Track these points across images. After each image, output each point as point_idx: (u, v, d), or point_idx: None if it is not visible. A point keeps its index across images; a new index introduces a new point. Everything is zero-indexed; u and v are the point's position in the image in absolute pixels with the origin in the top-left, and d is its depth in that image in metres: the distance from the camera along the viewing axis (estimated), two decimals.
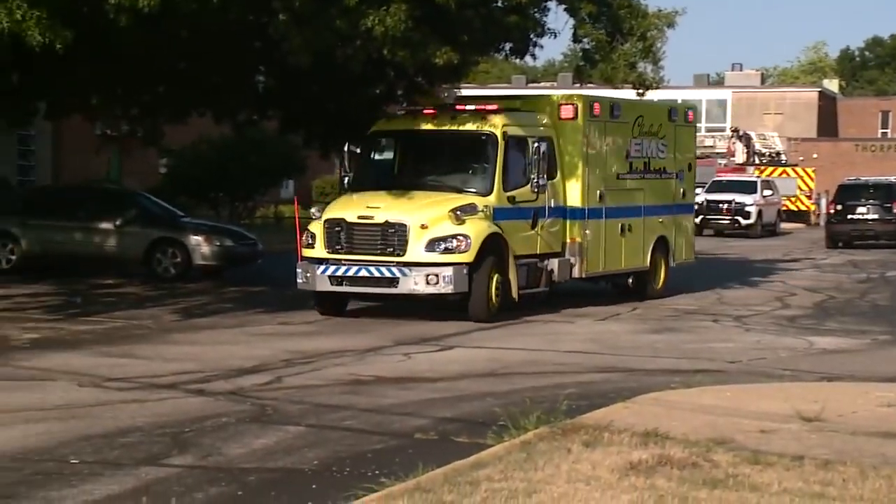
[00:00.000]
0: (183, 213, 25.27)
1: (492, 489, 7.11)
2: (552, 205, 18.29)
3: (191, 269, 22.48)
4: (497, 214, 17.38)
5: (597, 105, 19.28)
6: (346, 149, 18.71)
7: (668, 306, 19.87)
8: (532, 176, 17.82)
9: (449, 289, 16.49)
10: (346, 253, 16.99)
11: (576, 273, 18.81)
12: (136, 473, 8.21)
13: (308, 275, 17.13)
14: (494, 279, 16.94)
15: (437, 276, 16.44)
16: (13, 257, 22.85)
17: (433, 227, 16.72)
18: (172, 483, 7.95)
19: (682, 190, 21.74)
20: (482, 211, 17.14)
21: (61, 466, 8.38)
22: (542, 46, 22.78)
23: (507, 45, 21.76)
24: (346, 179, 18.58)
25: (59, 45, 14.37)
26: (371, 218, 16.93)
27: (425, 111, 18.55)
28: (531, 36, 21.11)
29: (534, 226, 18.07)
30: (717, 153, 57.76)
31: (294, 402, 10.98)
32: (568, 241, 18.75)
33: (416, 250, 16.67)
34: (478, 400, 11.25)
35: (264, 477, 8.19)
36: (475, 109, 18.26)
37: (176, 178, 34.56)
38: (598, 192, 19.20)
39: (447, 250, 16.61)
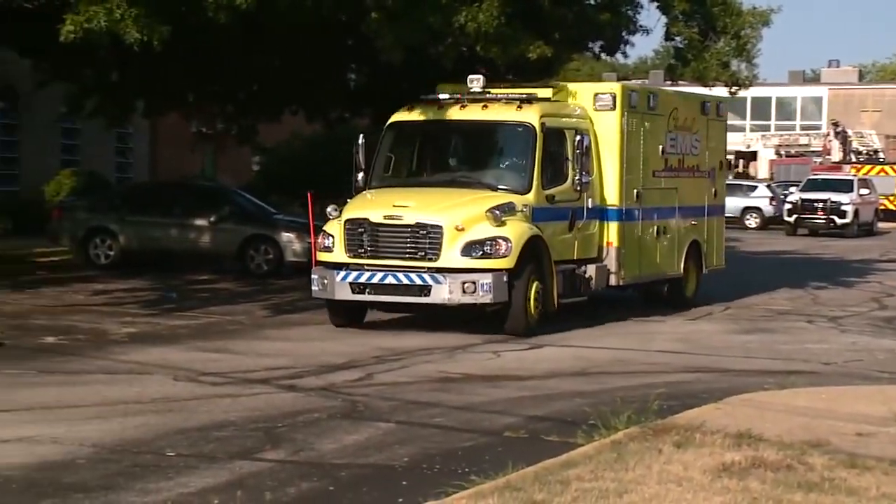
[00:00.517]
0: (275, 210, 25.55)
1: (582, 489, 7.08)
2: (590, 205, 16.63)
3: (283, 266, 22.70)
4: (536, 215, 15.69)
5: (635, 95, 17.77)
6: (359, 141, 16.76)
7: (761, 307, 19.61)
8: (573, 172, 16.25)
9: (487, 298, 14.77)
10: (369, 257, 15.16)
11: (613, 280, 17.14)
12: (230, 467, 8.32)
13: (325, 282, 15.29)
14: (534, 288, 15.25)
15: (474, 283, 14.70)
16: (111, 253, 23.29)
17: (470, 228, 14.96)
18: (265, 477, 8.04)
19: (713, 190, 19.99)
20: (521, 211, 15.47)
21: (158, 459, 8.53)
22: (633, 44, 22.64)
23: (599, 43, 21.73)
24: (361, 176, 16.72)
25: (156, 41, 14.63)
26: (399, 218, 15.13)
27: (444, 100, 16.82)
28: (623, 33, 21.06)
29: (571, 227, 16.40)
30: (813, 151, 56.98)
31: (385, 399, 11.05)
32: (605, 244, 17.06)
33: (450, 255, 14.89)
34: (567, 399, 11.22)
35: (355, 473, 8.26)
36: (508, 98, 16.64)
37: (269, 176, 34.96)
38: (636, 190, 17.49)
39: (485, 255, 14.86)
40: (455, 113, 16.57)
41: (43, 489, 7.60)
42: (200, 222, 23.06)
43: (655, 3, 19.92)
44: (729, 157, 65.67)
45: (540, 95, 16.81)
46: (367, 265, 15.18)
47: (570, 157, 16.30)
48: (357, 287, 15.17)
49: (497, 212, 15.04)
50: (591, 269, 16.75)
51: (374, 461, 8.62)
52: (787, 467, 7.64)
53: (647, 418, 9.18)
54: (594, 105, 17.21)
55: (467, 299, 14.86)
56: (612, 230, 17.11)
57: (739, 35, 19.95)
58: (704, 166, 19.71)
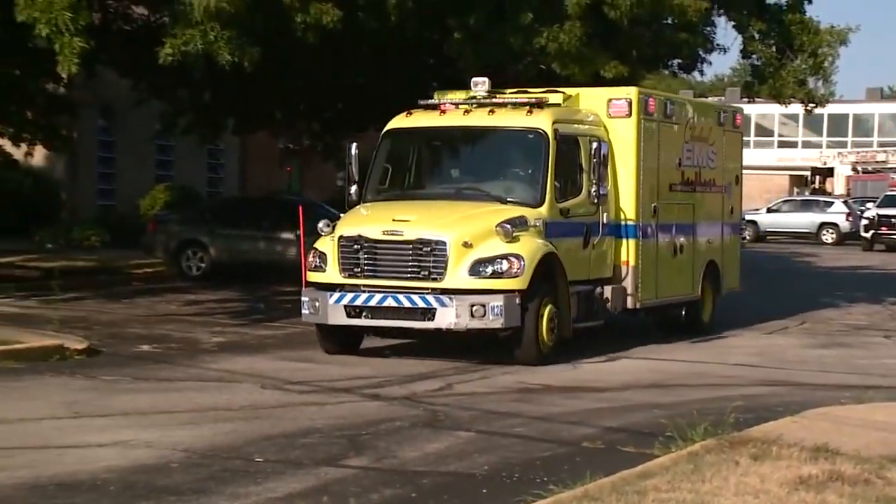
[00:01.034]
0: None
1: (659, 499, 7.01)
2: (605, 219, 14.86)
3: None
4: (549, 230, 13.93)
5: (652, 101, 15.77)
6: (352, 151, 15.07)
7: (837, 321, 19.29)
8: (588, 183, 14.51)
9: (498, 323, 13.01)
10: (366, 277, 13.38)
11: (630, 303, 15.25)
12: (315, 473, 8.37)
13: (317, 304, 13.55)
14: (548, 311, 13.54)
15: (483, 306, 12.93)
16: (203, 265, 23.64)
17: (479, 245, 13.22)
18: (350, 483, 8.07)
19: (730, 207, 18.00)
20: (534, 226, 13.73)
21: (247, 464, 8.60)
22: (710, 62, 22.35)
23: (676, 61, 21.60)
24: (355, 189, 14.95)
25: (247, 63, 14.80)
26: (400, 234, 13.34)
27: (446, 105, 15.02)
28: (700, 52, 20.91)
29: (586, 244, 14.60)
30: (890, 168, 56.01)
31: (465, 409, 11.04)
32: (621, 263, 15.20)
33: (457, 274, 13.13)
34: (644, 410, 11.12)
35: (437, 480, 8.25)
36: (517, 103, 14.80)
37: None
38: (653, 205, 15.72)
39: (496, 274, 13.12)
40: (458, 119, 14.77)
41: (138, 491, 7.72)
42: (287, 235, 23.27)
43: (732, 23, 19.76)
44: (805, 173, 65.23)
45: (550, 101, 15.05)
46: (364, 286, 13.39)
47: (585, 166, 14.59)
48: (353, 310, 13.39)
49: (508, 226, 13.30)
50: (607, 291, 14.94)
51: (454, 469, 8.62)
52: (865, 482, 7.49)
53: (724, 430, 9.06)
54: (608, 111, 15.39)
55: (476, 324, 13.04)
56: (629, 248, 15.25)
57: (816, 53, 19.64)
58: (720, 181, 17.75)
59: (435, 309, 13.09)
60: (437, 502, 7.65)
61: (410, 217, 13.62)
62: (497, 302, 12.98)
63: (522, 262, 13.15)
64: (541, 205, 13.99)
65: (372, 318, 13.42)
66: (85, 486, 7.80)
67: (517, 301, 13.10)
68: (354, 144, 15.08)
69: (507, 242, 13.25)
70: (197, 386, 12.10)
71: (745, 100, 24.75)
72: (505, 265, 13.15)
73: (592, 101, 15.57)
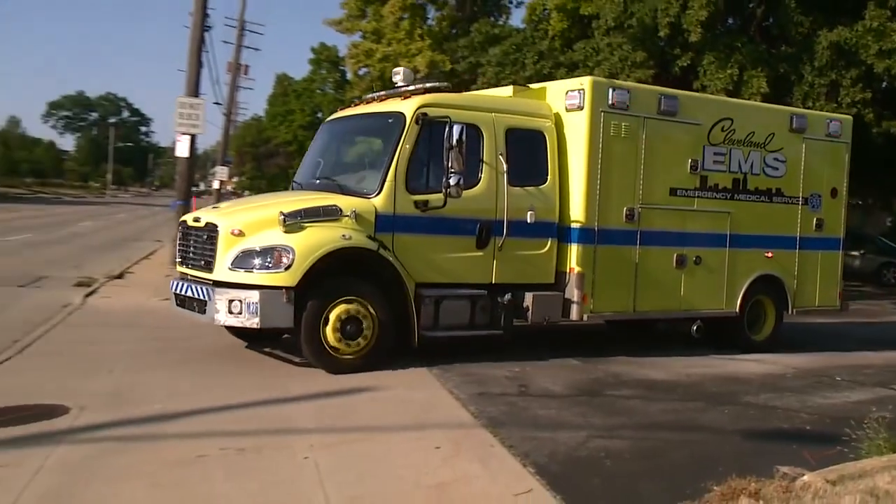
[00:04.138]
0: None
1: None
2: (531, 219, 10.17)
3: None
4: (384, 223, 9.48)
5: (620, 94, 10.65)
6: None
7: None
8: (485, 175, 9.95)
9: (254, 322, 8.93)
10: (186, 266, 9.88)
11: (574, 313, 10.37)
12: (873, 391, 9.42)
13: None
14: (336, 313, 9.17)
15: (240, 302, 8.98)
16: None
17: (252, 234, 9.19)
18: (893, 401, 8.87)
19: (815, 219, 12.36)
20: (348, 216, 9.32)
21: (831, 380, 9.86)
22: None
23: None
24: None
25: None
26: (200, 220, 9.65)
27: (366, 98, 10.93)
28: None
29: (482, 244, 9.97)
30: None
31: None
32: (567, 269, 10.50)
33: (223, 265, 9.21)
34: None
35: None
36: (415, 90, 10.12)
37: None
38: (626, 208, 10.70)
39: (262, 267, 9.03)
40: (357, 109, 10.81)
41: (768, 388, 9.27)
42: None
43: None
44: None
45: (496, 94, 10.99)
46: (188, 274, 9.85)
47: (484, 157, 10.03)
48: (179, 299, 9.73)
49: (286, 218, 9.13)
50: (528, 298, 10.18)
51: None
52: None
53: None
54: (566, 104, 10.69)
55: (233, 321, 9.04)
56: (572, 253, 10.46)
57: None
58: (794, 191, 12.21)
59: (206, 302, 9.23)
60: None
61: (226, 205, 10.21)
62: (252, 298, 8.94)
63: (291, 255, 9.01)
64: (377, 194, 9.58)
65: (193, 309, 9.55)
66: (740, 381, 9.48)
67: (283, 299, 8.98)
68: None
69: (284, 232, 9.17)
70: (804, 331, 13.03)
71: None
72: (270, 258, 9.07)
73: (553, 95, 10.89)
